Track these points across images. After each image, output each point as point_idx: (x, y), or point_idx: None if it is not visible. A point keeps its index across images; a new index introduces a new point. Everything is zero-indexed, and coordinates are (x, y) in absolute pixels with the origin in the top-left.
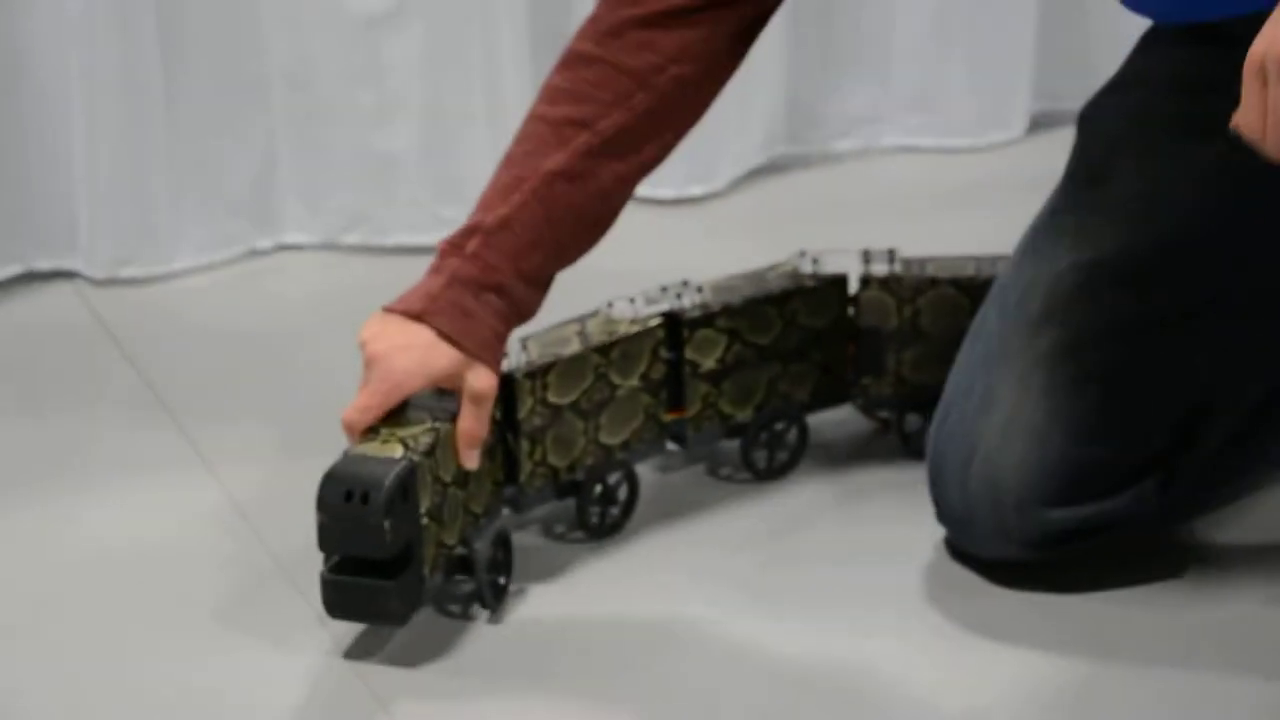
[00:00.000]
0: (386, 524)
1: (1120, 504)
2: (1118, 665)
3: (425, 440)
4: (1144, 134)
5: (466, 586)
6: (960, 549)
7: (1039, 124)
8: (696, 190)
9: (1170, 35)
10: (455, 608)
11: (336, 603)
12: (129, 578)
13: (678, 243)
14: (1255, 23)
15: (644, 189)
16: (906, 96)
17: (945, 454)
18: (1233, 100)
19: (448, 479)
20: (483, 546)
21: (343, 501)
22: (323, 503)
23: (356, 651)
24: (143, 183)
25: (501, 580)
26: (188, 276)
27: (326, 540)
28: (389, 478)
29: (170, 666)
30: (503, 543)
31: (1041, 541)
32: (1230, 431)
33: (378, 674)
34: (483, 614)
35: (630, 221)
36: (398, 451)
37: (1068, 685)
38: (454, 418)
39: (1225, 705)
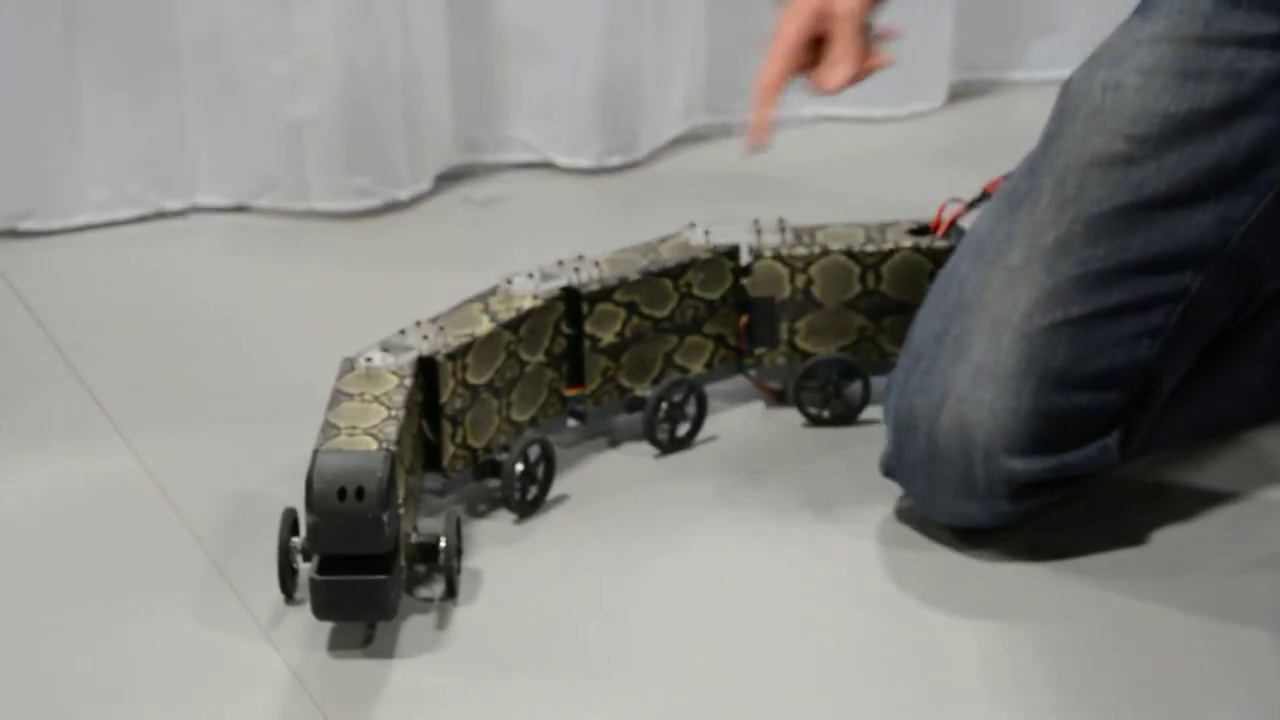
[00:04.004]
0: (385, 517)
1: (1083, 457)
2: (1083, 634)
3: (390, 430)
4: (1139, 95)
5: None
6: (915, 512)
7: (958, 93)
8: (616, 160)
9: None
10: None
11: (329, 603)
12: (31, 542)
13: (596, 213)
14: None
15: (562, 157)
16: None
17: (914, 401)
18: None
19: (406, 467)
20: (513, 456)
21: (336, 499)
22: (314, 503)
23: (272, 621)
24: (41, 138)
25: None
26: (92, 232)
27: (320, 539)
28: (380, 470)
29: (76, 637)
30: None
31: (1005, 493)
32: (1180, 381)
33: (293, 646)
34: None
35: (548, 191)
36: (371, 444)
37: (1033, 656)
38: (406, 406)
39: (1194, 675)
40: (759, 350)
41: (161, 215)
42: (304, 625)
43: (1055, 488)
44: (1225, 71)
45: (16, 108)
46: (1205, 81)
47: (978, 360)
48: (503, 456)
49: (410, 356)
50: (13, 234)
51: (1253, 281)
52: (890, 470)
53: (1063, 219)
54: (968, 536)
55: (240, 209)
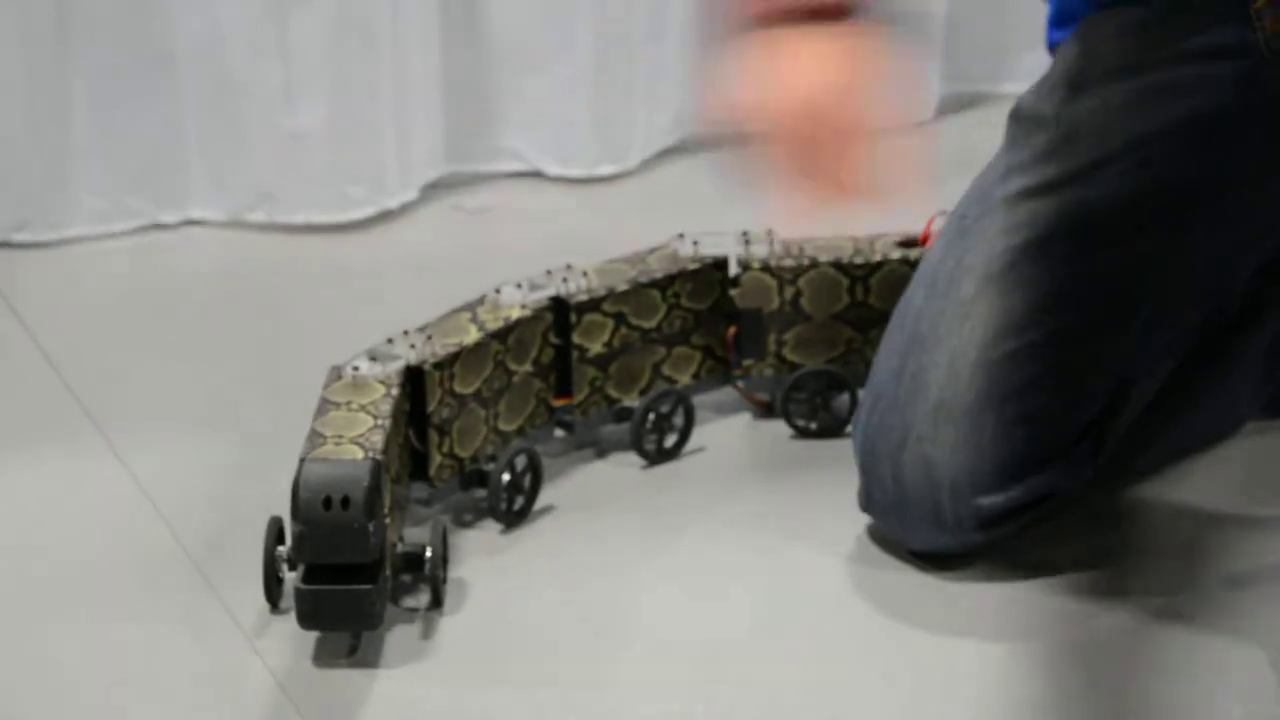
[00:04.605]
0: (370, 526)
1: (1051, 477)
2: (1060, 652)
3: (376, 439)
4: (1096, 117)
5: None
6: (886, 537)
7: (948, 106)
8: (607, 169)
9: (1109, 19)
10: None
11: (313, 613)
12: (18, 550)
13: (586, 223)
14: None
15: (553, 167)
16: None
17: (876, 441)
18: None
19: (392, 475)
20: (500, 466)
21: (322, 508)
22: (300, 511)
23: (257, 630)
24: (36, 149)
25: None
26: (86, 244)
27: (305, 548)
28: (367, 479)
29: (60, 645)
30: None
31: (975, 526)
32: (1148, 398)
33: (277, 655)
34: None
35: (538, 201)
36: (357, 453)
37: (1011, 673)
38: (392, 415)
39: (1177, 690)
40: (747, 361)
41: (157, 228)
42: (289, 634)
43: (1027, 510)
44: (1189, 85)
45: (11, 119)
46: (1169, 98)
47: (937, 398)
48: (489, 466)
49: (398, 365)
50: (6, 245)
51: (1221, 279)
52: (864, 506)
53: (1014, 244)
54: (941, 558)
55: (235, 224)
